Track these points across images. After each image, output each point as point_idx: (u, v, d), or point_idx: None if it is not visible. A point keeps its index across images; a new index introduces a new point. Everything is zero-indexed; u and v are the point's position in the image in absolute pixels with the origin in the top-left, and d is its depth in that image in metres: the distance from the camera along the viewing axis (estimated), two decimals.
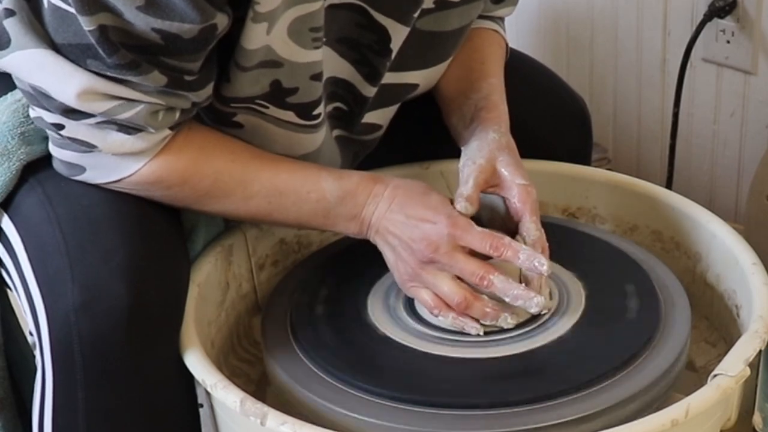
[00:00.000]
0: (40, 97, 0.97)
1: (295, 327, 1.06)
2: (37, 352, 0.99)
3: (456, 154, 1.12)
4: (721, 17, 1.62)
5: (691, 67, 1.68)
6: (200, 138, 1.03)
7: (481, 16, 1.24)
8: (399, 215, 1.03)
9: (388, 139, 1.22)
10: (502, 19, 1.30)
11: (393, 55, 1.07)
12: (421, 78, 1.16)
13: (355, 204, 1.05)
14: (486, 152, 1.07)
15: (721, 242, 1.12)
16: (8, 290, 1.09)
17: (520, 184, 1.05)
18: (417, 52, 1.11)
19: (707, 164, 1.76)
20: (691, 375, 1.08)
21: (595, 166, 1.33)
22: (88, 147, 0.99)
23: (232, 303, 1.16)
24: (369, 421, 0.95)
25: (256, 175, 1.04)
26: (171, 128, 1.00)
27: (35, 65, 0.94)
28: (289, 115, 1.06)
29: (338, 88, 1.10)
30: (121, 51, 0.91)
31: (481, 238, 1.00)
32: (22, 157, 1.03)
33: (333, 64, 1.07)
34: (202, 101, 1.00)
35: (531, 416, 0.93)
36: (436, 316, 1.03)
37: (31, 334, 1.00)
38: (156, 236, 1.00)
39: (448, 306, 1.01)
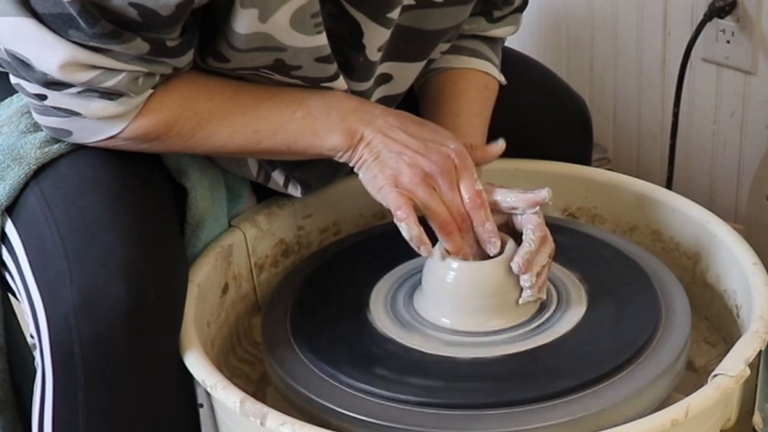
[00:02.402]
0: (20, 67, 0.97)
1: (295, 327, 1.06)
2: (36, 354, 0.99)
3: None
4: (721, 17, 1.62)
5: (691, 67, 1.68)
6: (179, 86, 1.03)
7: (475, 50, 1.23)
8: (400, 133, 1.04)
9: None
10: (501, 40, 1.27)
11: (367, 52, 1.06)
12: (395, 70, 1.15)
13: (343, 114, 1.05)
14: None
15: (721, 242, 1.12)
16: (11, 294, 1.09)
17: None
18: (393, 44, 1.09)
19: (707, 164, 1.76)
20: (691, 375, 1.08)
21: (595, 166, 1.33)
22: (71, 114, 0.99)
23: (232, 303, 1.16)
24: (369, 421, 0.95)
25: (237, 108, 1.04)
26: (152, 88, 1.01)
27: (17, 34, 0.94)
28: (297, 82, 1.06)
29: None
30: (101, 21, 0.91)
31: (473, 180, 1.02)
32: (31, 161, 1.03)
33: None
34: (183, 67, 1.01)
35: (531, 416, 0.93)
36: (400, 221, 1.01)
37: (32, 336, 1.00)
38: (154, 236, 1.00)
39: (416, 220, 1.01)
